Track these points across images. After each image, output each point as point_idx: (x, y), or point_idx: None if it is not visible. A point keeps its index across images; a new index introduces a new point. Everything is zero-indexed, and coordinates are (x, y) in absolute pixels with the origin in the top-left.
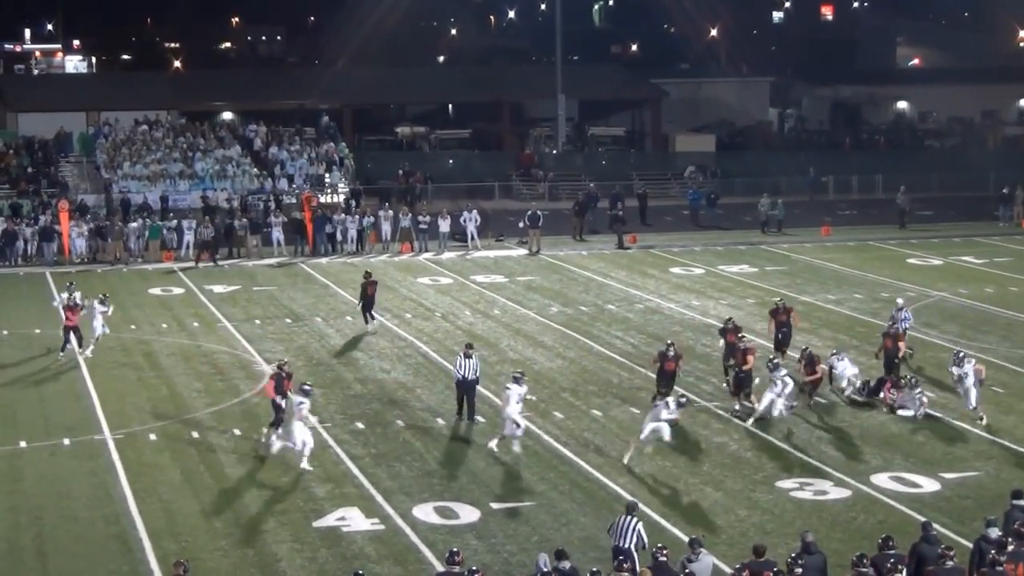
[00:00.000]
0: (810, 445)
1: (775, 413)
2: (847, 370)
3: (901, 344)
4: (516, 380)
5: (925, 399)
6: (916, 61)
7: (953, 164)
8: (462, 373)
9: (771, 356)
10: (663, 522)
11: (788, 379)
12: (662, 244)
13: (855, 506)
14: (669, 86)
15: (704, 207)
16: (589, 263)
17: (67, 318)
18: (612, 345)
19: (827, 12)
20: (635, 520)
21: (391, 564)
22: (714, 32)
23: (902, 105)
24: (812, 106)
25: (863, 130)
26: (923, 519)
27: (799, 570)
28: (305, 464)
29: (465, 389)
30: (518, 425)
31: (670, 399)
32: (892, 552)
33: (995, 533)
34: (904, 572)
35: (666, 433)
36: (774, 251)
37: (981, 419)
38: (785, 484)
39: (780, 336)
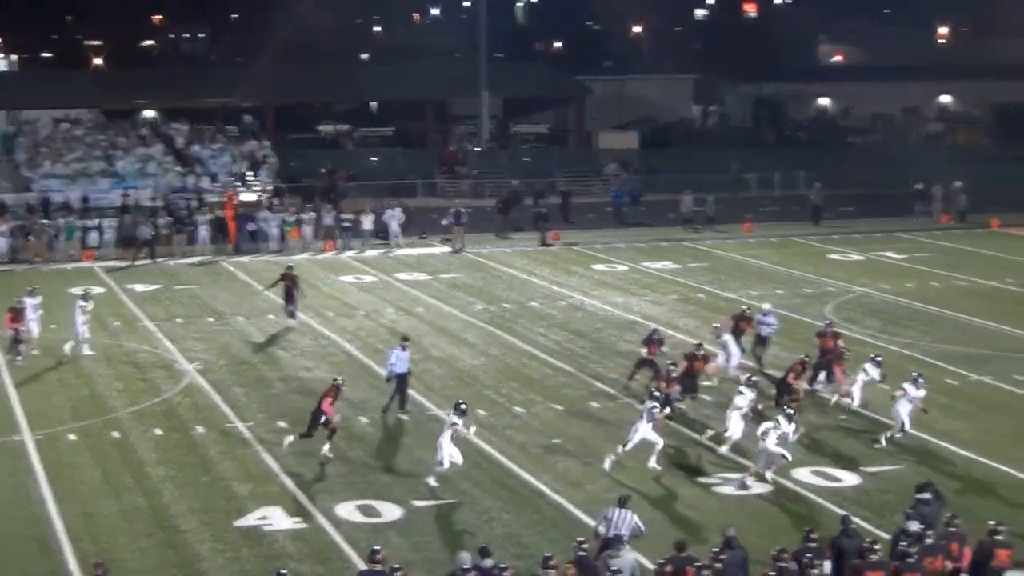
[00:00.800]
0: (735, 443)
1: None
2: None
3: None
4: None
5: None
6: (838, 58)
7: (875, 160)
8: (396, 365)
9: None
10: (586, 518)
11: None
12: (585, 241)
13: (777, 501)
14: (593, 83)
15: (627, 204)
16: (513, 260)
17: (10, 320)
18: (535, 342)
19: (750, 9)
20: (629, 513)
21: (313, 563)
22: (638, 29)
23: (824, 102)
24: (735, 103)
25: (786, 127)
26: (843, 513)
27: (719, 565)
28: (432, 480)
29: (400, 381)
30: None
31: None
32: (813, 546)
33: (915, 526)
34: (825, 566)
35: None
36: (697, 248)
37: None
38: (708, 480)
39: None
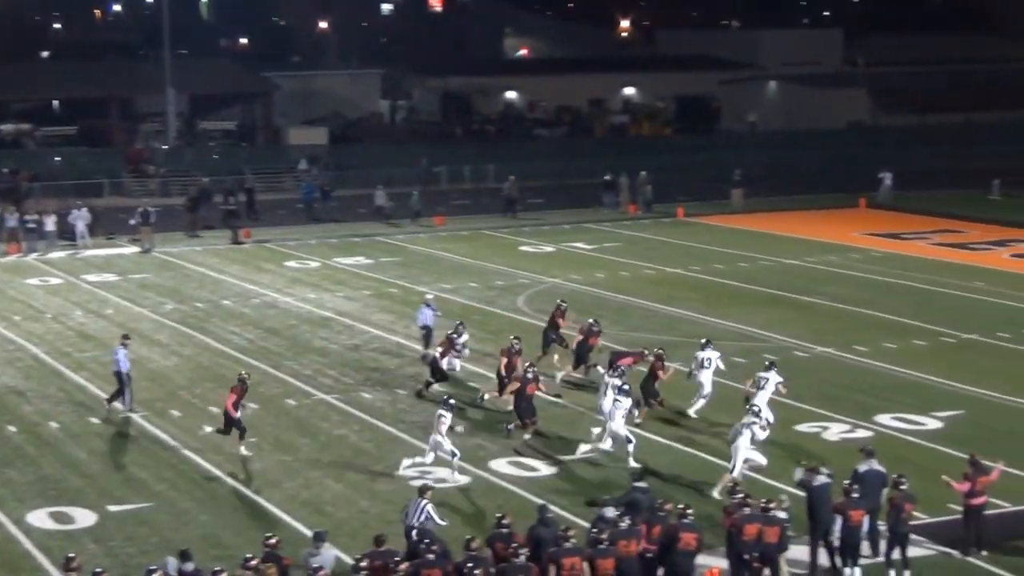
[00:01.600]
0: (428, 433)
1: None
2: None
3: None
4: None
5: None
6: (524, 51)
7: (562, 152)
8: (122, 363)
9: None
10: (285, 517)
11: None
12: (277, 238)
13: (474, 491)
14: (280, 79)
15: (319, 200)
16: (203, 259)
17: None
18: (228, 341)
19: (436, 4)
20: (425, 502)
21: (5, 572)
22: (324, 25)
23: (511, 95)
24: (423, 97)
25: (474, 120)
26: (540, 502)
27: (431, 557)
28: (457, 476)
29: (121, 379)
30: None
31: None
32: (505, 532)
33: (611, 513)
34: (522, 555)
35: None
36: (389, 242)
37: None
38: (406, 473)
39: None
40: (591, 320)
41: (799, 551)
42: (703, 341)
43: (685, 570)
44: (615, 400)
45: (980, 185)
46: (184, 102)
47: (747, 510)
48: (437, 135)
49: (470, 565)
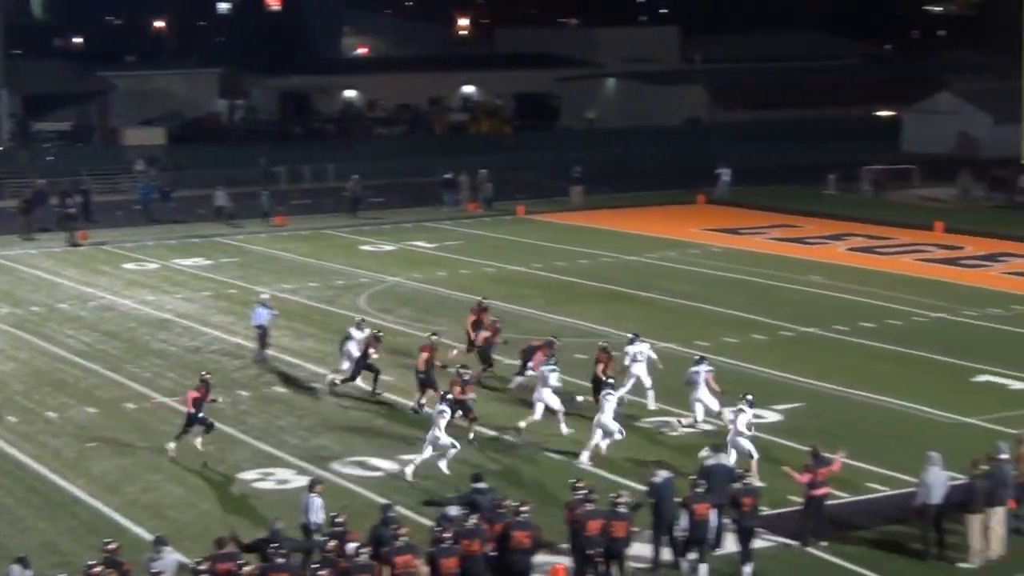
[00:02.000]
0: (270, 434)
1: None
2: None
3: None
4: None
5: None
6: (363, 50)
7: (402, 151)
8: None
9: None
10: (125, 522)
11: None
12: (115, 240)
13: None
14: (116, 79)
15: (157, 201)
16: (39, 262)
17: None
18: (66, 345)
19: (273, 3)
20: (314, 496)
21: None
22: (160, 24)
23: (350, 94)
24: (262, 96)
25: (313, 119)
26: (384, 501)
27: (281, 560)
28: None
29: None
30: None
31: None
32: (339, 530)
33: (454, 511)
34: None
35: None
36: (228, 243)
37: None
38: (247, 475)
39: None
40: (494, 318)
41: (642, 547)
42: (631, 336)
43: (521, 568)
44: (606, 395)
45: (815, 180)
46: (17, 103)
47: (590, 506)
48: (276, 135)
49: (315, 566)
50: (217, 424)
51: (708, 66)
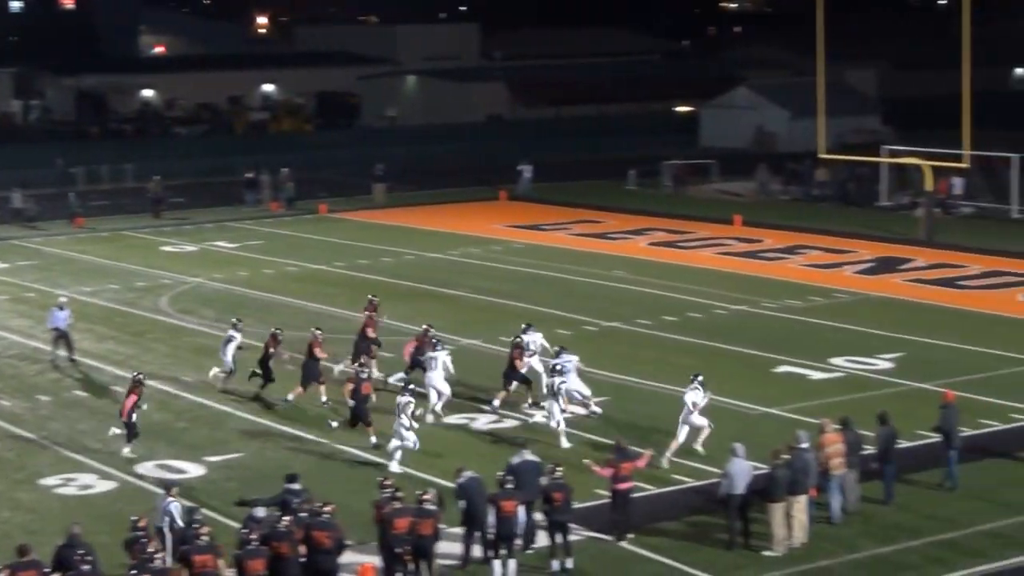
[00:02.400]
0: (72, 440)
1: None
2: None
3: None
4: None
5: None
6: (160, 49)
7: (202, 150)
8: None
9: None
10: None
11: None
12: None
13: (121, 497)
14: None
15: None
16: None
17: None
18: None
19: (67, 1)
20: (171, 500)
21: None
22: None
23: (148, 93)
24: (57, 96)
25: (110, 119)
26: (191, 504)
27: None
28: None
29: None
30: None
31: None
32: (139, 534)
33: (261, 512)
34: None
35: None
36: (25, 246)
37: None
38: (48, 481)
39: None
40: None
41: (452, 545)
42: (524, 326)
43: (326, 569)
44: (560, 382)
45: (617, 176)
46: None
47: (397, 504)
48: (73, 135)
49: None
50: (17, 430)
51: (508, 63)
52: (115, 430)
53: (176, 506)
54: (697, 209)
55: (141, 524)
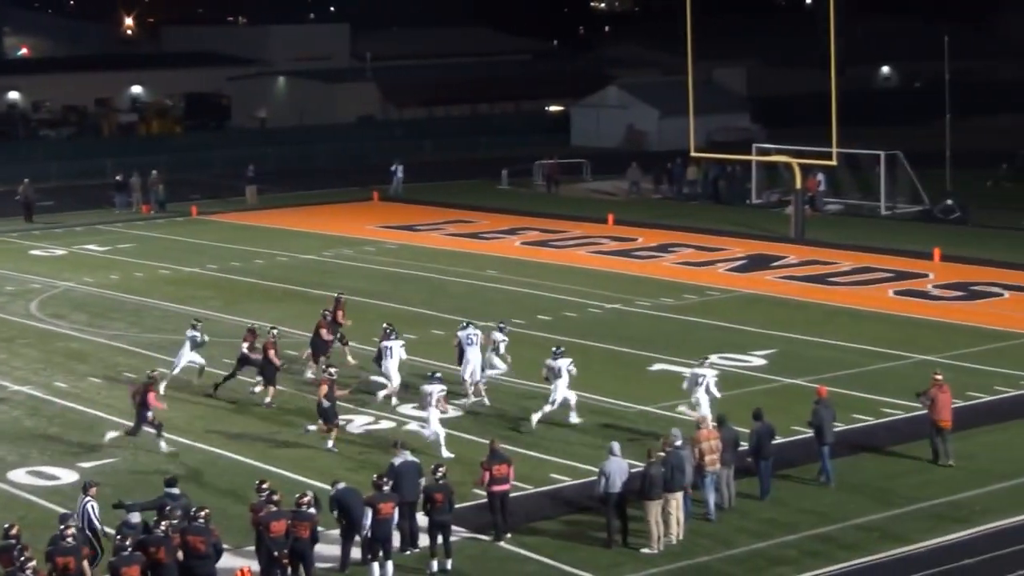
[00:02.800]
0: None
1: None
2: None
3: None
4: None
5: None
6: (25, 51)
7: (70, 153)
8: None
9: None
10: None
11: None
12: None
13: None
14: None
15: None
16: None
17: None
18: None
19: None
20: (88, 500)
21: None
22: None
23: (14, 95)
24: None
25: None
26: (63, 511)
27: None
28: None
29: None
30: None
31: None
32: (13, 542)
33: (136, 518)
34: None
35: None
36: None
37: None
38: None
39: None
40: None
41: (331, 547)
42: (464, 323)
43: (203, 574)
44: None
45: (489, 175)
46: None
47: (273, 507)
48: None
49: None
50: None
51: (379, 63)
52: (112, 434)
53: (93, 505)
54: (570, 208)
55: (13, 532)
